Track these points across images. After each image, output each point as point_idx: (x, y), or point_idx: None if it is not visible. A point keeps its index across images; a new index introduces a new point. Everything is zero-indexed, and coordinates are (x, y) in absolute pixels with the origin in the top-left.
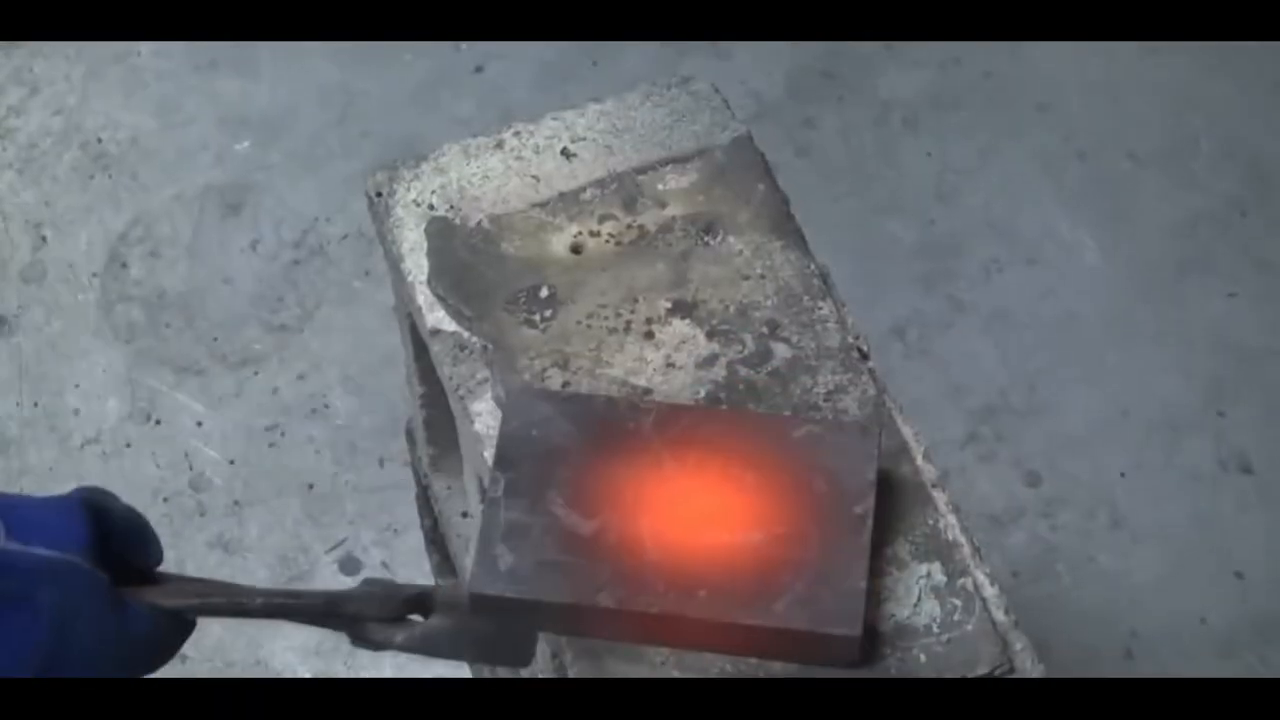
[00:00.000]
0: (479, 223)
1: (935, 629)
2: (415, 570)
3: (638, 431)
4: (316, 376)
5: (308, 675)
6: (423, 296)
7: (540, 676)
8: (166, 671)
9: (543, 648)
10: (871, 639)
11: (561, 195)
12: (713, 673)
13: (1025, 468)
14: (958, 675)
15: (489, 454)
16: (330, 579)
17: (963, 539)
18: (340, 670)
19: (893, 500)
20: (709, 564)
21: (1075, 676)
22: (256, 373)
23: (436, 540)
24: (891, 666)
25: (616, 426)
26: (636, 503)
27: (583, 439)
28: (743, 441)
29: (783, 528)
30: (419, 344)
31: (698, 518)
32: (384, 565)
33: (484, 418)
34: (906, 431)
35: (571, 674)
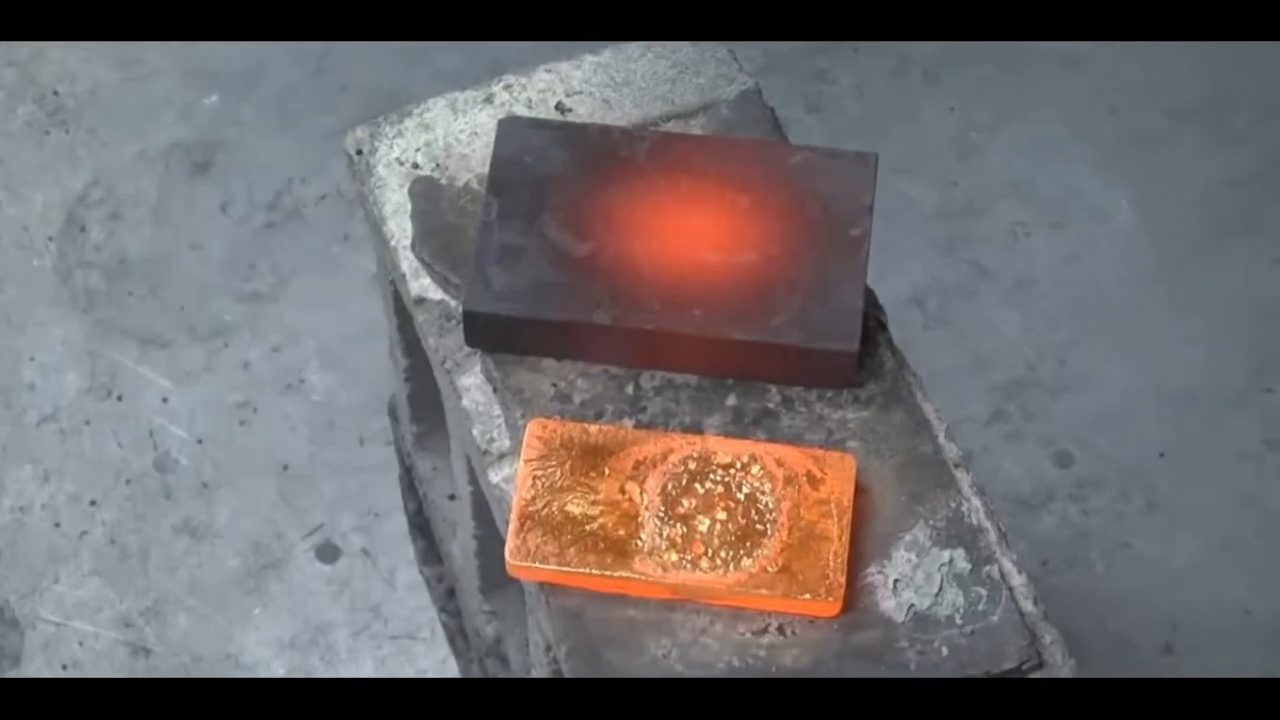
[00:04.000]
0: (467, 183)
1: (958, 620)
2: (398, 557)
3: (632, 159)
4: (291, 349)
5: (282, 670)
6: (406, 262)
7: (535, 676)
8: (148, 672)
9: (536, 638)
10: (889, 630)
11: None
12: (719, 668)
13: (1055, 447)
14: (982, 670)
15: (478, 431)
16: (306, 567)
17: (988, 523)
18: (317, 664)
19: (913, 482)
20: (704, 283)
21: (1110, 673)
22: (226, 345)
23: (421, 525)
24: (911, 660)
25: (610, 154)
26: (631, 226)
27: (576, 166)
28: (738, 168)
29: (778, 249)
30: (403, 314)
31: (693, 240)
32: (364, 552)
33: (472, 393)
34: (927, 408)
35: (566, 667)
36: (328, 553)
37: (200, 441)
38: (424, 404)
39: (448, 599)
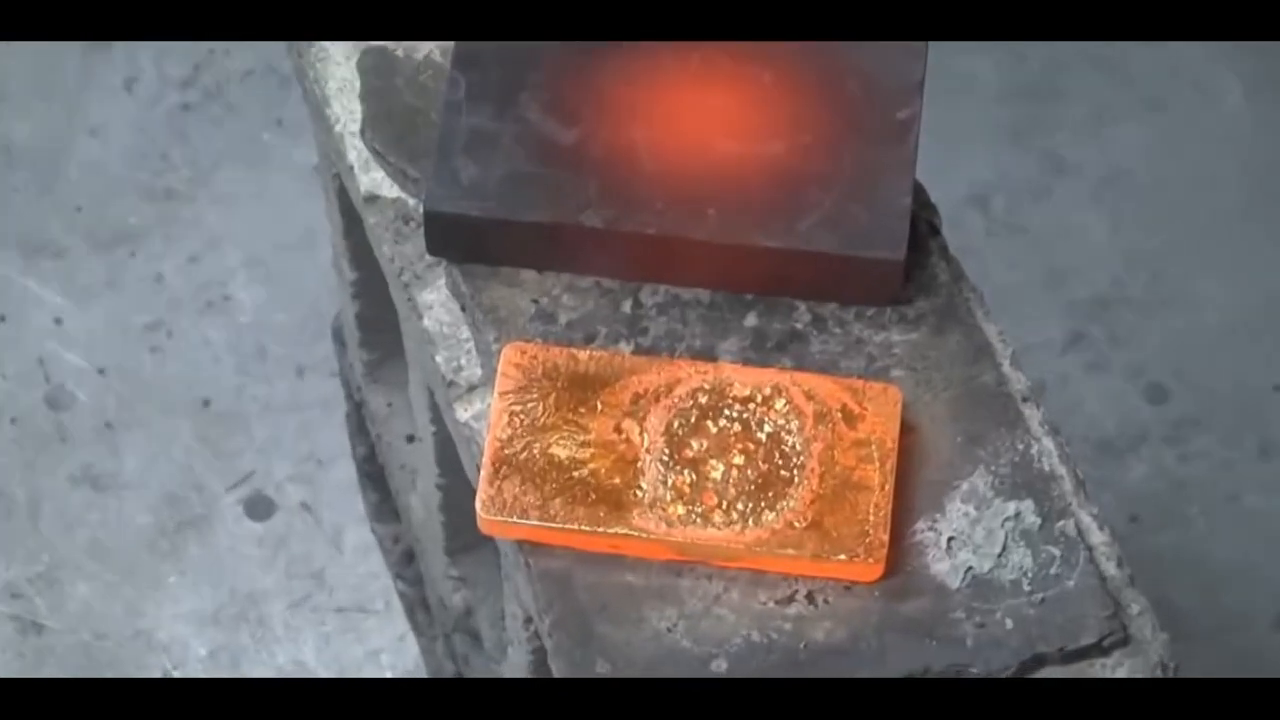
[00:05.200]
0: (428, 55)
1: (1026, 586)
2: (345, 513)
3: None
4: (213, 259)
5: (204, 650)
6: (355, 152)
7: (512, 654)
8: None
9: (513, 609)
10: (941, 598)
11: None
12: (735, 643)
13: (1146, 378)
14: (1055, 646)
15: (443, 358)
16: (233, 525)
17: (1063, 470)
18: (246, 642)
19: (971, 419)
20: (718, 178)
21: (1211, 652)
22: (134, 254)
23: (373, 473)
24: (968, 635)
25: None
26: (629, 108)
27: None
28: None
29: (809, 136)
30: (350, 215)
31: (704, 125)
32: (304, 507)
33: (435, 312)
34: (989, 330)
35: (550, 643)
36: (259, 507)
37: (102, 372)
38: (376, 326)
39: (405, 563)
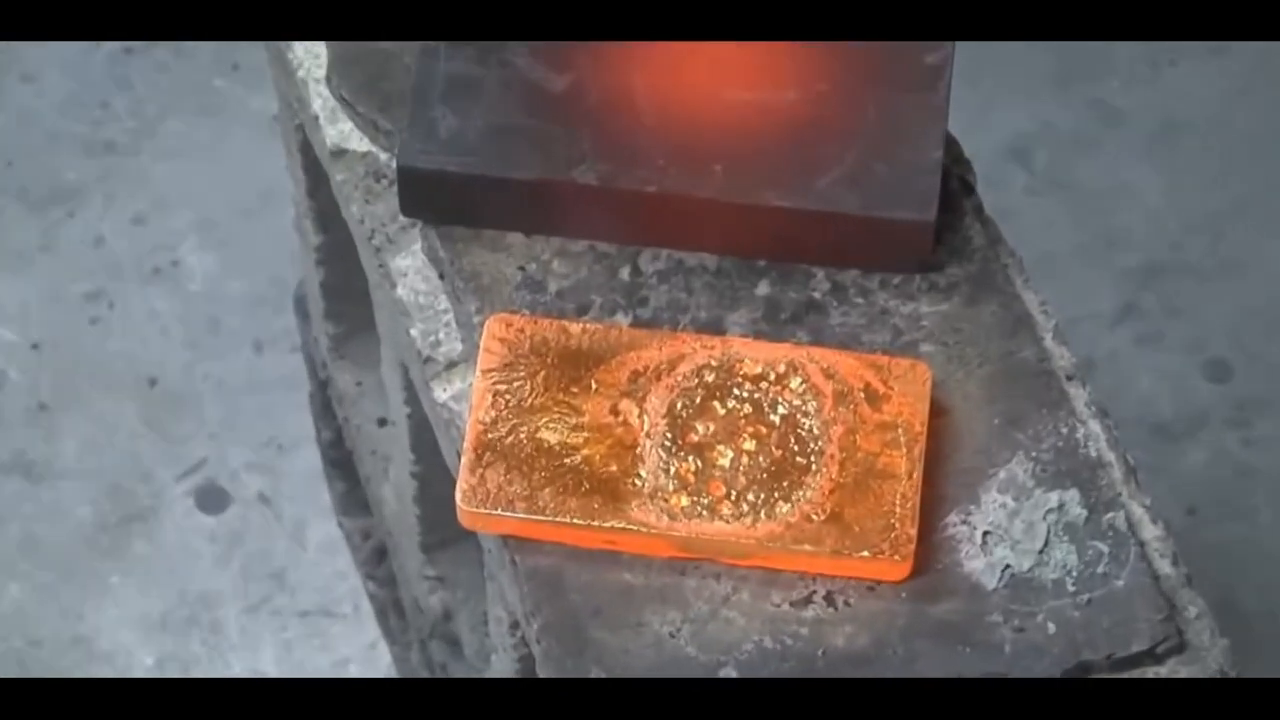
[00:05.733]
0: None
1: (1070, 586)
2: (309, 505)
3: None
4: (160, 220)
5: (150, 659)
6: (320, 101)
7: (496, 661)
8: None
9: (497, 613)
10: (976, 599)
11: None
12: (745, 650)
13: (1207, 354)
14: (1103, 654)
15: (419, 331)
16: (183, 519)
17: (1111, 456)
18: (197, 650)
19: (1009, 399)
20: (726, 131)
21: (1276, 655)
22: (71, 215)
23: (340, 461)
24: (1006, 640)
25: None
26: (626, 51)
27: None
28: None
29: (827, 83)
30: (314, 171)
31: (711, 71)
32: (262, 499)
33: (410, 279)
34: (1030, 300)
35: (539, 649)
36: (212, 499)
37: (36, 347)
38: (344, 296)
39: (376, 562)
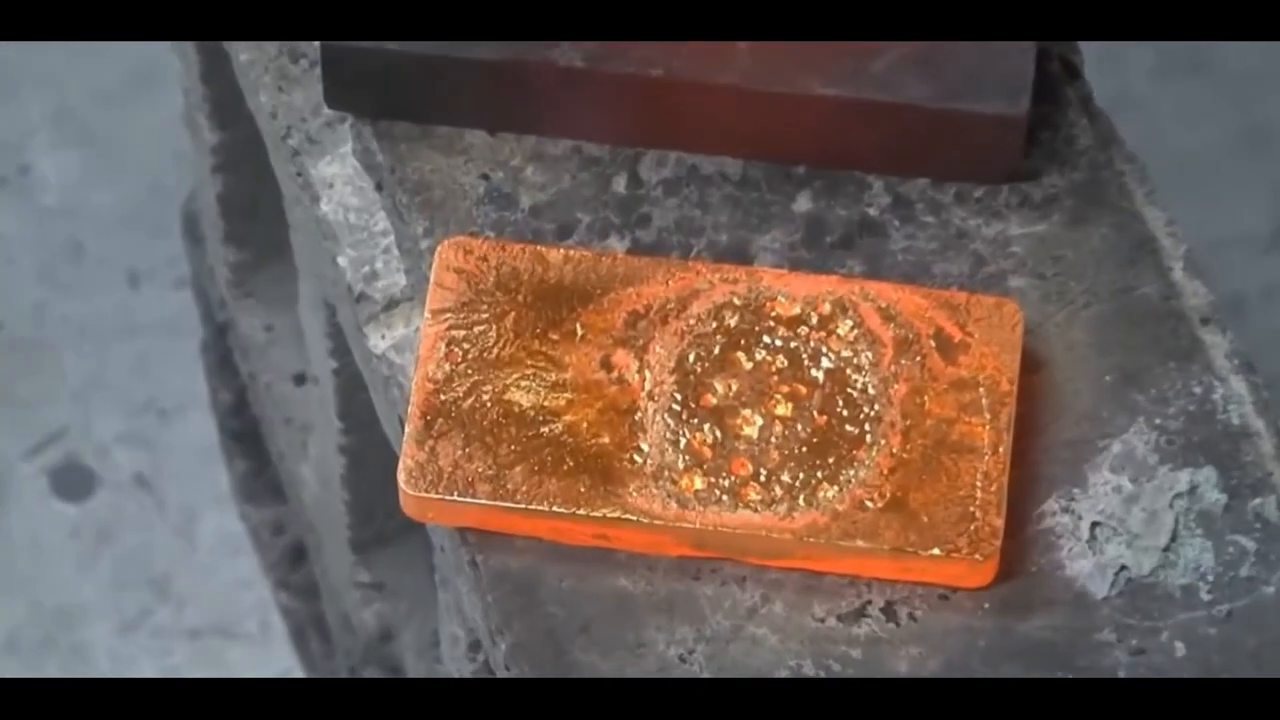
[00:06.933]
0: None
1: (1204, 593)
2: (200, 491)
3: None
4: (7, 113)
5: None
6: None
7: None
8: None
9: (452, 630)
10: (1081, 611)
11: None
12: (780, 676)
13: None
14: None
15: (349, 260)
16: (34, 507)
17: (1260, 424)
18: (54, 675)
19: (1125, 350)
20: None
21: None
22: None
23: (242, 432)
24: (1120, 664)
25: None
26: None
27: None
28: None
29: None
30: (210, 49)
31: None
32: (139, 480)
33: (337, 191)
34: (1154, 219)
35: (508, 675)
36: (72, 481)
37: None
38: (249, 213)
39: (292, 565)
